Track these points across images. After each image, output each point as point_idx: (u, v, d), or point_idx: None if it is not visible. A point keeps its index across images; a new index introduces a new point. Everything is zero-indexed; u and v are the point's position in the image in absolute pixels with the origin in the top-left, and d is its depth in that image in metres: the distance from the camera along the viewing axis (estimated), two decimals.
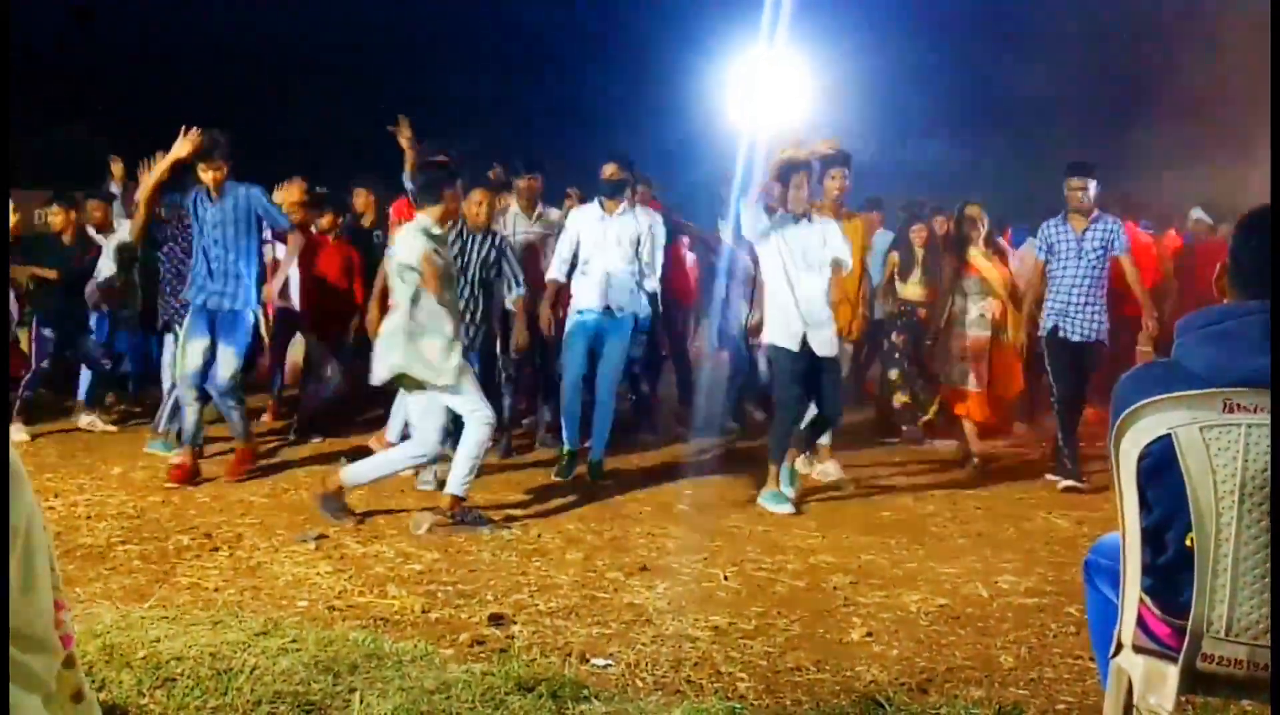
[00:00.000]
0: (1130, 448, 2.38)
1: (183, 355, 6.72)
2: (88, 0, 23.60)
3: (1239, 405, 2.23)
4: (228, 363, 6.58)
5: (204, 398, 6.72)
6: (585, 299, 6.98)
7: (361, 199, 8.91)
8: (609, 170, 7.05)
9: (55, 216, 8.30)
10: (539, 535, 5.48)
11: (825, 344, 6.27)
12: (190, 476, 6.52)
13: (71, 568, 4.67)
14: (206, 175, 6.56)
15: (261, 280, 6.99)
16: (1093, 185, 7.03)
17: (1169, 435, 2.29)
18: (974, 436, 7.48)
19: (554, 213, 7.87)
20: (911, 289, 8.39)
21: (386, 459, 5.95)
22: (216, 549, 5.13)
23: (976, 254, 7.52)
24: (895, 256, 8.51)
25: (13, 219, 9.16)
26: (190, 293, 6.73)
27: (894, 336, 8.46)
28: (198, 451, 6.75)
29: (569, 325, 7.08)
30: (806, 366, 6.26)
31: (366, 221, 8.85)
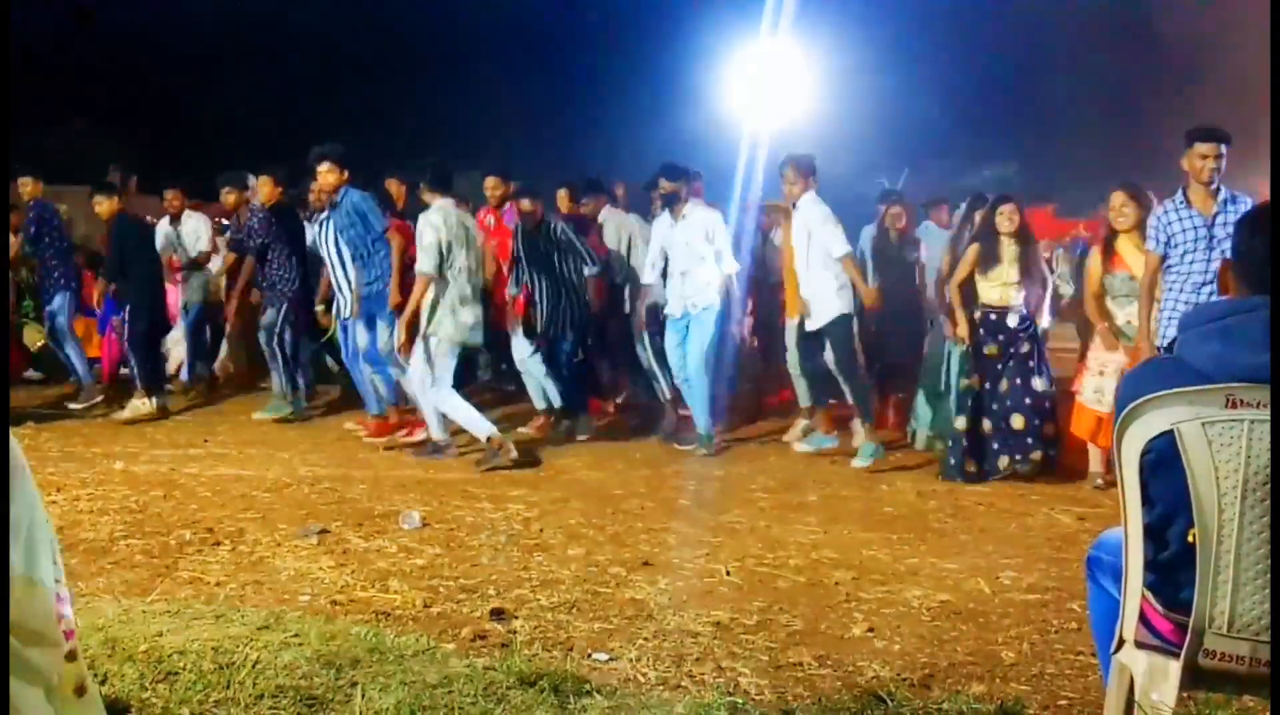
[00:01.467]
0: (1133, 443, 2.38)
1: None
2: (89, 0, 23.64)
3: (1242, 401, 2.23)
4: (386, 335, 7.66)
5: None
6: (671, 302, 7.80)
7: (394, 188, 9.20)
8: (664, 186, 7.75)
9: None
10: (541, 530, 5.48)
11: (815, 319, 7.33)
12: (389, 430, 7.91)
13: (74, 562, 4.67)
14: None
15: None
16: (1225, 153, 5.77)
17: (1172, 431, 2.29)
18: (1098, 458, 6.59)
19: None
20: (997, 290, 6.87)
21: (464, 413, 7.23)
22: (218, 543, 5.14)
23: (1129, 245, 6.39)
24: (976, 248, 6.92)
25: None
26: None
27: (983, 352, 6.90)
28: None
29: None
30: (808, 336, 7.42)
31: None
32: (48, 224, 9.01)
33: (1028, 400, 6.78)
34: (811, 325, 7.33)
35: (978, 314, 6.93)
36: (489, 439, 7.02)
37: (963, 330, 6.90)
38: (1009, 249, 6.86)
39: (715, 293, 7.62)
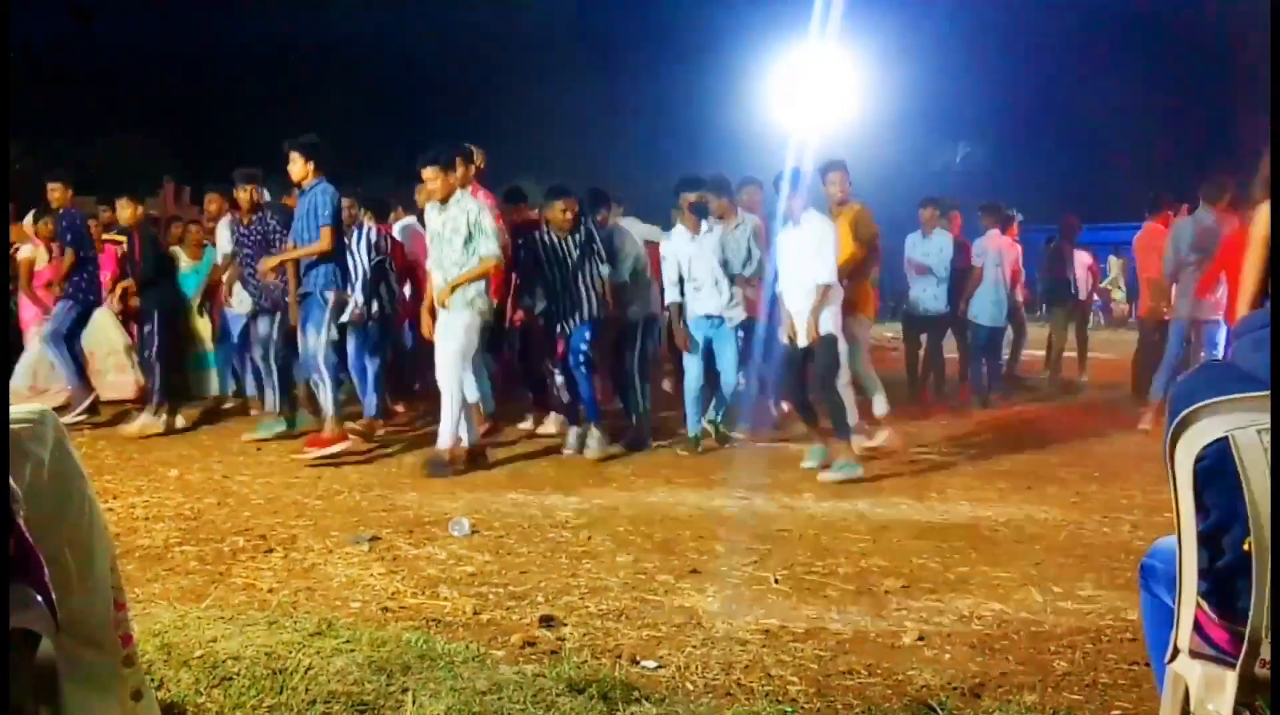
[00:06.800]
0: (1187, 451, 2.35)
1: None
2: (87, 0, 23.99)
3: None
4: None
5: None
6: (694, 312, 7.93)
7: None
8: (691, 198, 7.87)
9: (124, 209, 8.77)
10: (589, 537, 5.49)
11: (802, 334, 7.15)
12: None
13: (130, 568, 4.74)
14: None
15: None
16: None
17: (1226, 438, 2.25)
18: None
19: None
20: None
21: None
22: (271, 550, 5.19)
23: None
24: None
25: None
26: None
27: None
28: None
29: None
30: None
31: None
32: (73, 231, 8.94)
33: None
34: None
35: None
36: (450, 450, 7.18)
37: None
38: None
39: (740, 303, 7.82)
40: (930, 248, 10.18)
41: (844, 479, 6.86)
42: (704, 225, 7.84)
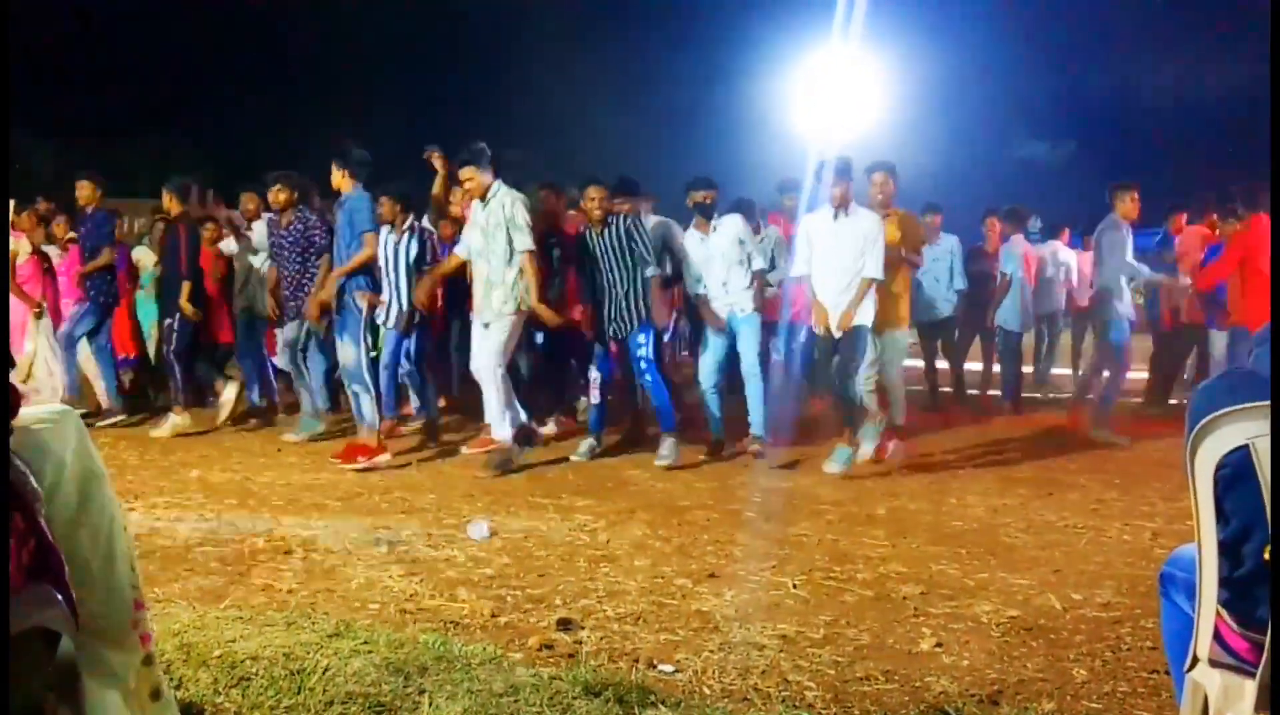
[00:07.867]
0: (1207, 459, 2.34)
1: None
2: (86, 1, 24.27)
3: None
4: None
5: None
6: (716, 308, 7.91)
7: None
8: (697, 197, 7.90)
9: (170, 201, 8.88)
10: (607, 541, 5.50)
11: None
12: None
13: (150, 568, 4.76)
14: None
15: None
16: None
17: (1246, 446, 2.24)
18: None
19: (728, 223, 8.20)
20: None
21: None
22: (290, 552, 5.22)
23: None
24: None
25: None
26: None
27: None
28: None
29: (706, 333, 8.06)
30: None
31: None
32: (98, 233, 8.99)
33: None
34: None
35: None
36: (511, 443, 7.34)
37: None
38: None
39: (751, 292, 7.87)
40: (939, 252, 10.26)
41: (842, 469, 7.22)
42: (710, 224, 7.85)
